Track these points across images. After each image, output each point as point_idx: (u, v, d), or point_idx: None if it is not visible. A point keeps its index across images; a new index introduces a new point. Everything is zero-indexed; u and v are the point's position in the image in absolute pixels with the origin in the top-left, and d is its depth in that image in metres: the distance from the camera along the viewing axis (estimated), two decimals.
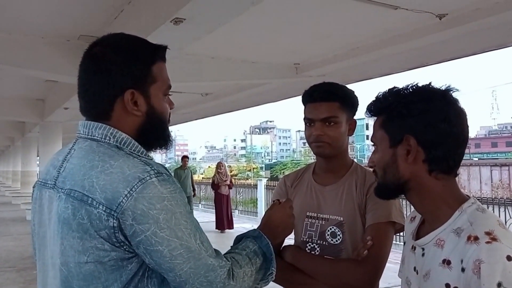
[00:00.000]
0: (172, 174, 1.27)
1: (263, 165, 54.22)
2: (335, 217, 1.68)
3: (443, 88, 1.15)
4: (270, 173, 38.09)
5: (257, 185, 15.21)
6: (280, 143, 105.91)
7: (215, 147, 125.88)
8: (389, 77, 6.03)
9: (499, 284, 0.95)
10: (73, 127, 11.35)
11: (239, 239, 1.31)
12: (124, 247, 1.04)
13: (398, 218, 1.59)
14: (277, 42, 5.09)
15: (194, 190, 11.56)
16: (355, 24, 4.41)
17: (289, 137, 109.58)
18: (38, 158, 13.42)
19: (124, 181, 1.03)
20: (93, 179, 1.05)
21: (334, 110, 1.67)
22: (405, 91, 1.17)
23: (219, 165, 11.59)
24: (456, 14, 3.87)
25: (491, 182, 21.58)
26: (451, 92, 1.15)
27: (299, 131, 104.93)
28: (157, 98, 1.18)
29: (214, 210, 14.66)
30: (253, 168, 48.88)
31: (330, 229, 1.68)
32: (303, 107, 1.75)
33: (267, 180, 16.83)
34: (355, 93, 1.75)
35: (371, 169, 1.30)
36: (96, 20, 4.33)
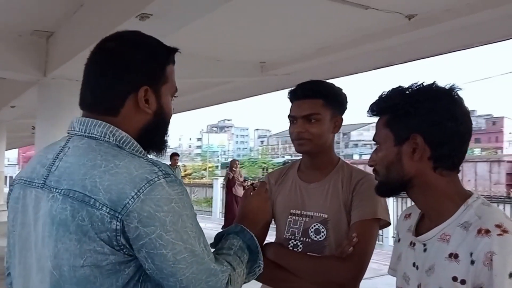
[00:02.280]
0: None
1: (219, 164, 54.11)
2: (319, 214, 1.69)
3: (448, 87, 1.18)
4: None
5: (212, 184, 15.15)
6: (237, 141, 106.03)
7: (169, 146, 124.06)
8: (356, 76, 6.16)
9: (511, 274, 0.99)
10: (19, 126, 10.88)
11: (220, 237, 1.30)
12: (124, 250, 1.02)
13: (383, 215, 1.62)
14: (243, 40, 5.06)
15: None
16: (325, 24, 4.45)
17: (246, 135, 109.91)
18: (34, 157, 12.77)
19: (131, 182, 1.01)
20: (96, 179, 1.02)
21: (317, 107, 1.68)
22: (410, 90, 1.19)
23: (234, 164, 10.55)
24: (425, 15, 3.97)
25: None
26: (456, 91, 1.18)
27: (257, 129, 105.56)
28: (167, 99, 1.19)
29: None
30: (209, 167, 48.71)
31: (314, 226, 1.69)
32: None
33: (223, 179, 16.83)
34: (342, 90, 1.76)
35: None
36: (52, 14, 4.17)
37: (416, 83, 1.20)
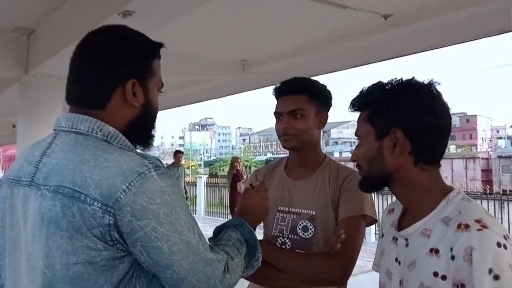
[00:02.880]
0: None
1: (202, 162, 53.78)
2: (307, 211, 1.69)
3: (427, 82, 1.19)
4: (209, 170, 37.86)
5: (196, 182, 15.08)
6: (219, 140, 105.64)
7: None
8: (335, 74, 6.22)
9: (490, 270, 0.98)
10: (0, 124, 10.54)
11: (219, 229, 1.31)
12: (118, 245, 1.01)
13: (370, 212, 1.63)
14: (224, 38, 5.06)
15: (186, 192, 9.93)
16: (304, 23, 4.48)
17: (228, 133, 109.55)
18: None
19: (121, 175, 1.00)
20: (86, 174, 1.00)
21: (301, 103, 1.69)
22: (390, 85, 1.20)
23: (236, 161, 9.91)
24: (400, 14, 4.03)
25: None
26: (434, 85, 1.19)
27: (238, 128, 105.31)
28: (153, 93, 1.20)
29: None
30: (192, 165, 48.36)
31: (302, 223, 1.69)
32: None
33: (207, 177, 16.72)
34: (326, 87, 1.78)
35: (351, 163, 1.33)
36: (33, 11, 4.11)
37: (395, 78, 1.21)
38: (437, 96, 1.18)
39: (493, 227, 1.04)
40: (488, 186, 13.19)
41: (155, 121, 1.23)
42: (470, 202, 1.15)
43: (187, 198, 10.07)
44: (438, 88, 1.19)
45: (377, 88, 1.22)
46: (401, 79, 1.20)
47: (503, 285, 0.98)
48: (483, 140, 64.34)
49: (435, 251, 1.09)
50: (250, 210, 1.41)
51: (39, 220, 1.03)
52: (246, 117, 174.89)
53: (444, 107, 1.19)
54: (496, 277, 0.98)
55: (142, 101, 1.16)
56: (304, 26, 4.60)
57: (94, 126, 1.09)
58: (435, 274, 1.07)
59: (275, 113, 1.75)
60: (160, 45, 1.21)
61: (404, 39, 4.57)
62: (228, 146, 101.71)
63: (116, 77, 1.13)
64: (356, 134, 1.27)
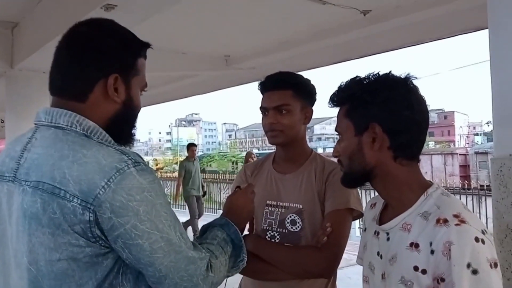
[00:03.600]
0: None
1: None
2: (294, 205, 1.69)
3: (403, 76, 1.18)
4: None
5: None
6: (206, 135, 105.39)
7: (139, 140, 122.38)
8: (317, 70, 6.23)
9: (469, 265, 0.98)
10: None
11: (205, 228, 1.29)
12: (100, 242, 0.99)
13: (356, 205, 1.62)
14: (207, 33, 5.03)
15: (203, 188, 9.05)
16: (284, 18, 4.48)
17: (214, 129, 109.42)
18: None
19: (100, 171, 0.97)
20: (65, 170, 0.98)
21: (287, 98, 1.67)
22: (368, 80, 1.19)
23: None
24: (379, 10, 4.05)
25: None
26: (411, 79, 1.18)
27: (224, 123, 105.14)
28: (136, 91, 1.17)
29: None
30: (180, 161, 48.13)
31: (290, 216, 1.69)
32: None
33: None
34: (310, 82, 1.75)
35: (334, 159, 1.31)
36: (16, 4, 4.03)
37: (373, 73, 1.19)
38: (414, 90, 1.17)
39: (471, 222, 1.04)
40: (466, 181, 13.37)
41: (136, 119, 1.20)
42: (449, 197, 1.14)
43: (204, 194, 9.37)
44: (415, 82, 1.19)
45: (355, 83, 1.21)
46: (378, 73, 1.19)
47: (481, 280, 0.98)
48: (460, 137, 65.23)
49: (415, 245, 1.09)
50: (238, 209, 1.40)
51: (22, 216, 1.01)
52: (232, 113, 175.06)
53: (421, 101, 1.17)
54: (475, 272, 0.98)
55: (124, 97, 1.13)
56: (286, 22, 4.60)
57: (73, 120, 1.06)
58: (416, 268, 1.07)
59: (261, 108, 1.73)
60: (147, 44, 1.19)
61: (383, 35, 4.59)
62: (215, 142, 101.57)
63: (99, 69, 1.10)
64: (336, 130, 1.26)
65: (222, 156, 38.14)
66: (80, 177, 0.97)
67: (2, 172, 1.09)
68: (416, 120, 1.15)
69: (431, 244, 1.04)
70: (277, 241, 1.69)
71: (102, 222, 0.97)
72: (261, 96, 1.75)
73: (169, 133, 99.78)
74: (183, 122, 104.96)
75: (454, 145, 54.32)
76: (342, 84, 1.23)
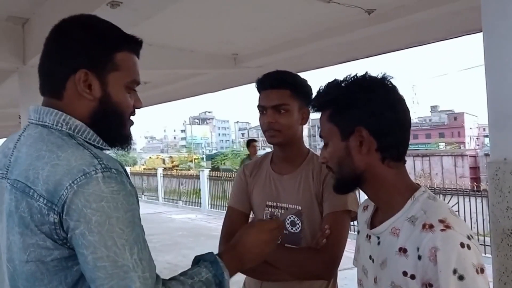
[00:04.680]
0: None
1: (204, 156, 53.87)
2: (293, 206, 1.67)
3: (380, 76, 1.15)
4: (211, 164, 37.92)
5: (199, 175, 15.08)
6: (219, 133, 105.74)
7: (155, 137, 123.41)
8: (321, 70, 6.16)
9: (455, 271, 0.96)
10: (6, 115, 10.54)
11: (197, 260, 1.12)
12: (68, 244, 0.94)
13: (353, 207, 1.59)
14: (215, 31, 5.01)
15: None
16: (289, 17, 4.42)
17: (228, 127, 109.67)
18: None
19: (68, 173, 0.92)
20: (39, 170, 0.95)
21: (285, 98, 1.64)
22: (346, 82, 1.15)
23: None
24: (383, 10, 3.98)
25: (414, 172, 22.80)
26: (388, 79, 1.15)
27: (237, 122, 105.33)
28: (116, 88, 1.08)
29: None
30: (195, 159, 48.45)
31: (290, 218, 1.67)
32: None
33: (209, 171, 16.73)
34: (307, 82, 1.72)
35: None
36: (26, 0, 4.02)
37: (350, 75, 1.16)
38: (392, 89, 1.14)
39: (457, 227, 1.01)
40: (475, 183, 13.19)
41: (120, 117, 1.10)
42: (435, 201, 1.12)
43: None
44: (392, 81, 1.15)
45: (334, 87, 1.17)
46: (356, 75, 1.16)
47: (467, 285, 0.96)
48: (470, 138, 64.41)
49: (403, 250, 1.06)
50: (246, 246, 1.19)
51: (4, 213, 1.00)
52: (244, 112, 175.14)
53: (401, 101, 1.15)
54: (461, 277, 0.96)
55: (99, 94, 1.06)
56: (292, 20, 4.55)
57: (59, 119, 1.03)
58: (404, 273, 1.04)
59: (258, 106, 1.69)
60: (129, 36, 1.11)
61: (388, 35, 4.52)
62: (228, 140, 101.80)
63: (66, 65, 1.05)
64: (320, 136, 1.22)
65: (236, 155, 38.25)
66: (49, 178, 0.93)
67: None
68: (399, 119, 1.13)
69: (418, 249, 1.02)
70: (278, 242, 1.68)
71: (64, 223, 0.92)
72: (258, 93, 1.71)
73: (183, 131, 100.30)
74: (196, 120, 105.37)
75: (464, 146, 53.65)
76: (321, 88, 1.20)
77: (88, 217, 0.90)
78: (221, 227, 1.80)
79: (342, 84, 1.16)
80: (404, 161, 1.17)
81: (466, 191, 10.27)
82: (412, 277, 1.03)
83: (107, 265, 0.89)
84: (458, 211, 8.55)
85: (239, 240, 1.20)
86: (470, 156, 25.99)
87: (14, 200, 0.96)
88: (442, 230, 1.00)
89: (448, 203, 8.69)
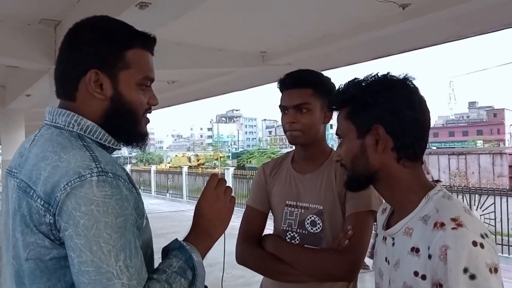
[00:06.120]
0: None
1: (230, 154, 54.12)
2: (314, 205, 1.66)
3: (402, 76, 1.16)
4: (237, 162, 38.05)
5: (224, 173, 15.19)
6: (246, 132, 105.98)
7: (181, 136, 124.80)
8: (354, 66, 6.09)
9: (465, 270, 0.95)
10: (36, 115, 10.95)
11: (165, 252, 1.10)
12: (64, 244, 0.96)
13: (377, 207, 1.55)
14: (243, 29, 5.03)
15: None
16: (320, 13, 4.39)
17: (255, 126, 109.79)
18: (0, 146, 12.96)
19: (66, 175, 0.94)
20: (41, 171, 0.98)
21: (307, 97, 1.64)
22: (367, 81, 1.17)
23: None
24: (418, 4, 3.90)
25: (449, 171, 22.27)
26: (410, 80, 1.16)
27: (264, 120, 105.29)
28: (127, 86, 1.09)
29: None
30: (220, 157, 48.77)
31: (310, 217, 1.66)
32: (279, 95, 1.73)
33: (234, 169, 16.84)
34: (331, 80, 1.71)
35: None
36: (58, 3, 4.14)
37: (371, 74, 1.18)
38: (414, 90, 1.16)
39: (469, 226, 1.00)
40: None
41: (133, 115, 1.11)
42: (450, 200, 1.11)
43: None
44: (414, 82, 1.17)
45: (354, 85, 1.19)
46: (377, 74, 1.18)
47: (479, 285, 0.95)
48: (511, 135, 62.41)
49: (415, 250, 1.06)
50: (211, 219, 1.17)
51: (11, 211, 1.04)
52: (272, 110, 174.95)
53: (422, 101, 1.16)
54: (472, 277, 0.95)
55: (110, 93, 1.08)
56: (322, 17, 4.51)
57: (71, 120, 1.06)
58: (416, 273, 1.05)
59: (280, 106, 1.70)
60: (141, 34, 1.12)
61: (423, 30, 4.43)
62: (255, 138, 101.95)
63: (77, 66, 1.07)
64: (336, 133, 1.23)
65: (262, 153, 38.31)
66: (48, 179, 0.95)
67: (11, 167, 1.11)
68: (418, 119, 1.13)
69: (429, 248, 1.02)
70: (297, 242, 1.67)
71: (57, 224, 0.94)
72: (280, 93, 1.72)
73: (210, 129, 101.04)
74: (223, 118, 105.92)
75: (504, 144, 51.99)
76: (340, 86, 1.22)
77: (76, 220, 0.91)
78: None
79: (363, 83, 1.17)
80: (421, 161, 1.17)
81: (504, 191, 9.97)
82: (423, 277, 1.03)
83: (90, 270, 0.89)
84: (495, 211, 8.31)
85: (197, 216, 1.17)
86: (509, 154, 25.19)
87: (17, 199, 1.00)
88: (453, 228, 1.00)
89: (483, 203, 8.47)
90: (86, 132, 1.05)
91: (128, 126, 1.12)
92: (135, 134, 1.14)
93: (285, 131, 1.70)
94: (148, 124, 1.17)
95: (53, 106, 1.10)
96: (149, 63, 1.14)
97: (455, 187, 9.99)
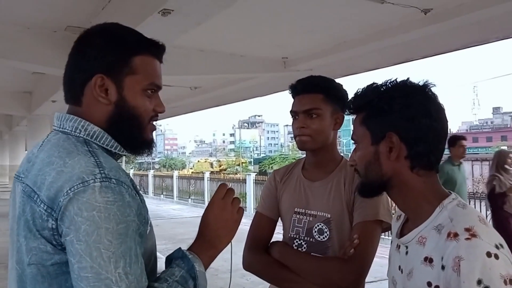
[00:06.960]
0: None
1: (252, 160, 54.21)
2: (322, 213, 1.65)
3: (421, 83, 1.13)
4: (259, 168, 38.04)
5: (246, 179, 15.20)
6: (268, 137, 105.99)
7: (204, 141, 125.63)
8: (375, 72, 6.05)
9: (479, 282, 0.92)
10: None
11: (169, 261, 1.09)
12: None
13: (385, 217, 1.56)
14: (265, 35, 5.06)
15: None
16: (342, 18, 4.40)
17: (277, 131, 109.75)
18: (26, 152, 13.29)
19: (69, 180, 0.94)
20: (46, 176, 0.97)
21: (317, 102, 1.63)
22: (385, 87, 1.15)
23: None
24: (440, 9, 3.87)
25: (472, 177, 21.74)
26: (429, 87, 1.13)
27: (287, 125, 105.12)
28: (132, 91, 1.08)
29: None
30: (242, 163, 48.86)
31: (318, 226, 1.65)
32: (291, 101, 1.73)
33: (255, 175, 16.85)
34: (343, 86, 1.70)
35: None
36: (83, 10, 4.25)
37: (390, 80, 1.15)
38: (432, 97, 1.12)
39: (483, 236, 0.97)
40: None
41: (138, 121, 1.10)
42: (465, 209, 1.08)
43: None
44: (433, 90, 1.13)
45: (371, 90, 1.16)
46: (396, 80, 1.15)
47: None
48: None
49: (429, 260, 1.04)
50: (212, 227, 1.15)
51: (16, 216, 1.04)
52: None
53: (440, 109, 1.12)
54: None
55: (115, 98, 1.07)
56: (343, 22, 4.52)
57: (78, 125, 1.05)
58: (429, 284, 1.02)
59: (291, 111, 1.70)
60: (148, 40, 1.11)
61: (445, 35, 4.39)
62: (277, 144, 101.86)
63: (83, 71, 1.06)
64: (352, 138, 1.22)
65: (283, 158, 38.21)
66: (52, 185, 0.95)
67: (19, 172, 1.12)
68: (434, 128, 1.10)
69: (442, 258, 0.99)
70: (304, 250, 1.65)
71: (59, 229, 0.94)
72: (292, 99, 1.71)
73: (232, 135, 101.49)
74: (245, 124, 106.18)
75: None
76: (358, 91, 1.19)
77: (78, 225, 0.90)
78: None
79: (381, 88, 1.15)
80: (437, 170, 1.14)
81: None
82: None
83: (89, 276, 0.89)
84: None
85: (202, 225, 1.16)
86: None
87: (22, 204, 1.00)
88: (467, 239, 0.97)
89: None
90: (92, 138, 1.05)
91: (132, 132, 1.11)
92: (140, 140, 1.13)
93: (294, 137, 1.70)
94: (154, 131, 1.16)
95: (62, 112, 1.11)
96: (156, 70, 1.13)
97: (478, 194, 9.77)
